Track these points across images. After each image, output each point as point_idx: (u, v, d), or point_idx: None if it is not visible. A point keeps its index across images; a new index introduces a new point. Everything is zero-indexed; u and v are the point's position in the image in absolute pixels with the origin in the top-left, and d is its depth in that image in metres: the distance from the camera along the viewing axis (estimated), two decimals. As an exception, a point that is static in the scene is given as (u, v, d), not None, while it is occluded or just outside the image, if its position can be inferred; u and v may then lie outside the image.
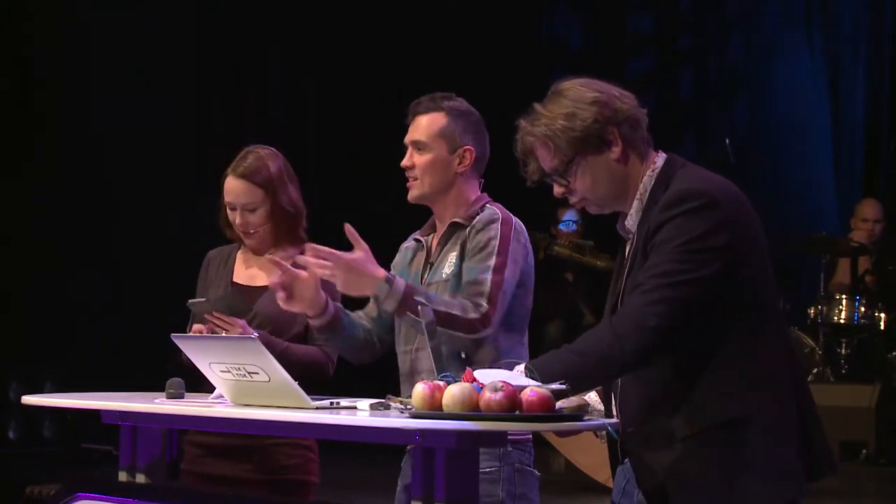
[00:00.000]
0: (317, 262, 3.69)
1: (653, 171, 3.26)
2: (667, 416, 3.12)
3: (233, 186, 4.45)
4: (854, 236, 10.03)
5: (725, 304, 3.09)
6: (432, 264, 3.98)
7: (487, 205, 3.96)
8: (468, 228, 3.90)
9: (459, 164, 3.95)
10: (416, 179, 3.97)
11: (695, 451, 3.10)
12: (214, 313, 4.25)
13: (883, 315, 9.61)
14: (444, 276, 3.90)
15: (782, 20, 12.41)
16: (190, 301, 4.29)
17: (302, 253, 4.45)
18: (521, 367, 3.12)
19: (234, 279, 4.53)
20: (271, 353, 4.12)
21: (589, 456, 7.93)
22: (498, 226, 3.86)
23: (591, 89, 3.26)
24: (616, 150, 3.24)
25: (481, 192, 4.04)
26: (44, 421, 9.24)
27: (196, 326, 4.29)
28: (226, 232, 4.57)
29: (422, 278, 3.98)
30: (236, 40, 10.55)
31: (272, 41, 10.69)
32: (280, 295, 3.82)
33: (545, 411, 3.07)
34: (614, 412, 3.29)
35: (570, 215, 10.34)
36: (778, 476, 3.08)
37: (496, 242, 3.83)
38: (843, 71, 12.38)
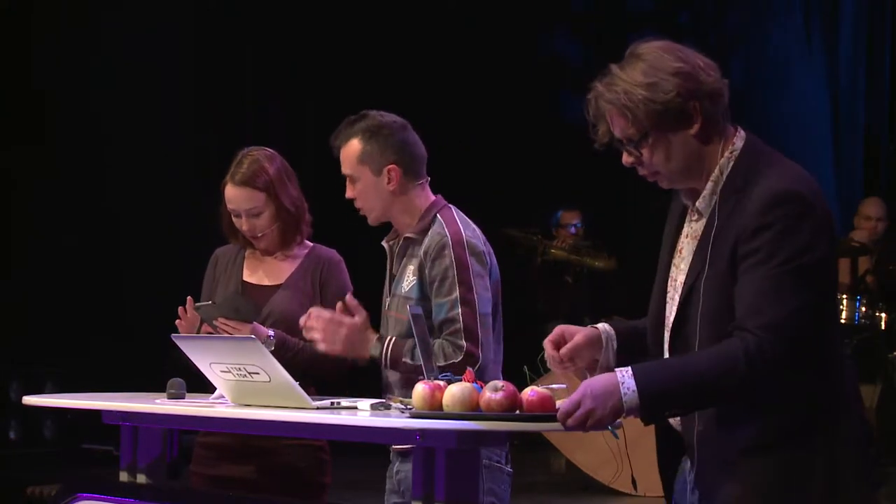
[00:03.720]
0: (319, 331, 3.89)
1: (731, 152, 3.09)
2: (742, 423, 3.00)
3: (234, 194, 4.42)
4: (855, 235, 10.02)
5: (821, 321, 3.00)
6: (394, 276, 4.02)
7: (438, 214, 3.94)
8: (422, 251, 3.90)
9: (389, 183, 3.96)
10: (361, 209, 4.03)
11: (766, 463, 2.99)
12: (221, 319, 4.24)
13: (884, 315, 9.60)
14: (403, 291, 3.94)
15: (783, 22, 12.42)
16: (196, 304, 4.27)
17: (308, 252, 4.47)
18: (627, 371, 2.97)
19: (245, 278, 4.50)
20: (287, 352, 4.16)
21: (589, 455, 7.97)
22: (450, 251, 3.85)
23: (675, 57, 3.05)
24: (696, 127, 3.04)
25: (438, 192, 4.04)
26: (45, 421, 9.23)
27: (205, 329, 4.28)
28: (230, 239, 4.54)
29: (389, 288, 4.03)
30: (236, 43, 10.56)
31: (272, 44, 10.69)
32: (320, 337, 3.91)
33: (546, 411, 3.06)
34: None
35: (571, 219, 10.33)
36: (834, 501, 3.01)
37: (454, 271, 3.83)
38: (844, 68, 12.37)
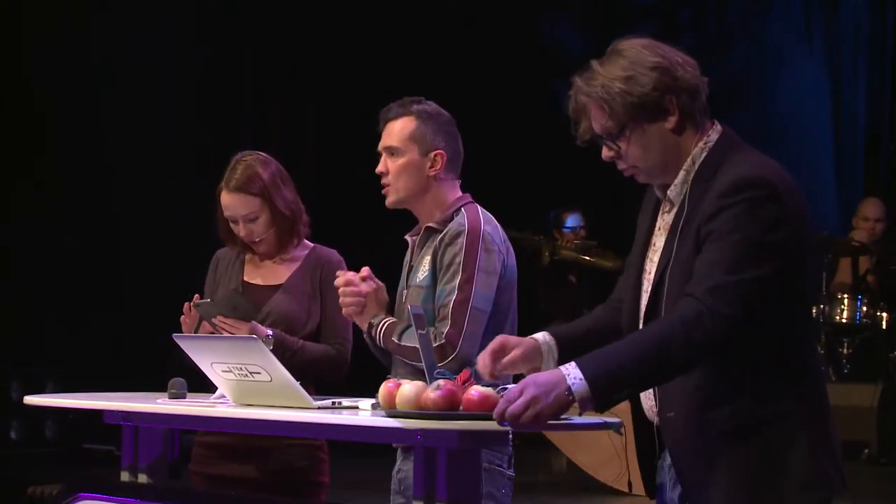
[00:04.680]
0: (351, 290, 3.96)
1: (705, 143, 3.13)
2: (712, 407, 3.04)
3: (229, 201, 4.43)
4: (855, 235, 10.04)
5: (779, 300, 3.03)
6: (413, 267, 4.03)
7: (463, 208, 3.96)
8: (439, 238, 3.92)
9: (431, 167, 3.97)
10: (389, 185, 4.00)
11: (738, 445, 3.03)
12: (220, 317, 4.25)
13: (885, 314, 9.61)
14: (418, 281, 3.95)
15: (783, 22, 12.42)
16: (194, 302, 4.29)
17: (308, 253, 4.48)
18: (571, 364, 2.98)
19: (245, 278, 4.52)
20: (285, 351, 4.19)
21: (591, 455, 7.97)
22: (463, 239, 3.86)
23: (653, 53, 3.11)
24: (672, 120, 3.10)
25: (462, 192, 4.05)
26: (46, 421, 9.23)
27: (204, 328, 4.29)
28: (228, 244, 4.56)
29: (406, 280, 4.03)
30: (236, 43, 10.56)
31: (272, 44, 10.69)
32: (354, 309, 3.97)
33: (486, 410, 3.06)
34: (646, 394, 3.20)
35: (572, 220, 10.33)
36: (814, 480, 3.05)
37: (460, 258, 3.84)
38: (844, 69, 12.37)
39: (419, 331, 3.38)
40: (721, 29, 12.60)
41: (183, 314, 4.28)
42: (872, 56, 12.25)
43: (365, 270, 4.00)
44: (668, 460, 3.18)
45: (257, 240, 4.45)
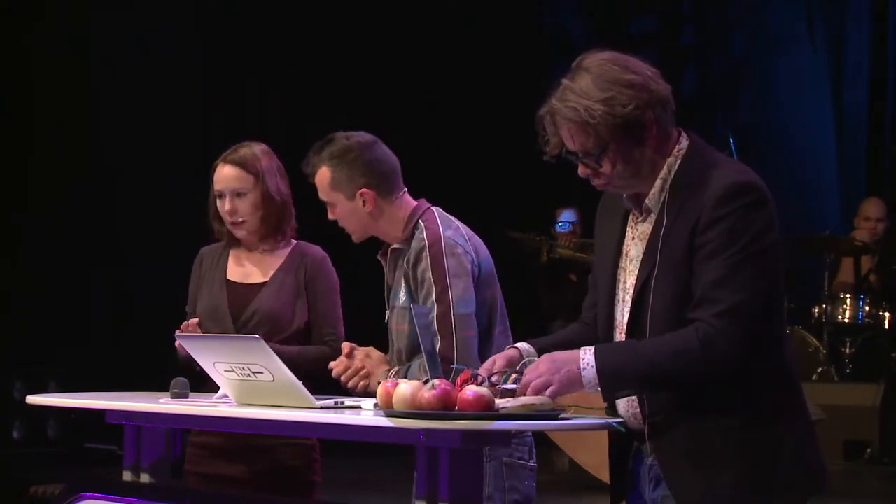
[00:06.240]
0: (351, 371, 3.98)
1: (678, 150, 3.18)
2: (703, 410, 3.09)
3: (223, 173, 4.44)
4: (857, 235, 10.03)
5: (777, 303, 3.11)
6: (391, 287, 4.04)
7: (420, 220, 3.95)
8: (406, 259, 3.93)
9: (364, 205, 3.97)
10: (345, 229, 4.04)
11: (728, 446, 3.08)
12: None
13: (887, 314, 9.60)
14: (400, 303, 3.97)
15: (785, 17, 12.41)
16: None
17: (292, 249, 4.46)
18: (591, 349, 3.10)
19: (229, 277, 4.50)
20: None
21: (593, 455, 7.96)
22: (426, 254, 3.87)
23: (625, 69, 3.13)
24: (651, 134, 3.14)
25: (417, 198, 4.04)
26: (48, 421, 9.23)
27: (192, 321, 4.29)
28: (214, 227, 4.52)
29: (386, 301, 4.05)
30: (236, 44, 10.56)
31: (272, 44, 10.69)
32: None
33: (480, 409, 3.08)
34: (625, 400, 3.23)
35: (566, 216, 10.32)
36: (802, 477, 3.12)
37: (429, 273, 3.85)
38: (846, 69, 12.36)
39: (419, 326, 3.38)
40: (722, 18, 12.58)
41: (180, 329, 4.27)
42: (875, 55, 12.24)
43: (346, 347, 4.01)
44: (650, 461, 3.23)
45: (241, 220, 4.42)
